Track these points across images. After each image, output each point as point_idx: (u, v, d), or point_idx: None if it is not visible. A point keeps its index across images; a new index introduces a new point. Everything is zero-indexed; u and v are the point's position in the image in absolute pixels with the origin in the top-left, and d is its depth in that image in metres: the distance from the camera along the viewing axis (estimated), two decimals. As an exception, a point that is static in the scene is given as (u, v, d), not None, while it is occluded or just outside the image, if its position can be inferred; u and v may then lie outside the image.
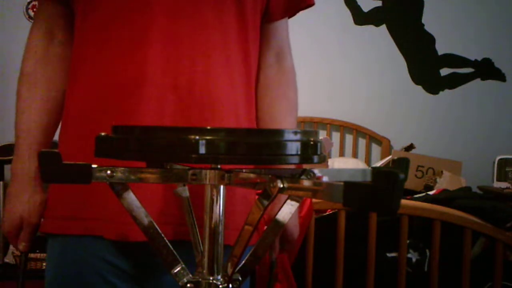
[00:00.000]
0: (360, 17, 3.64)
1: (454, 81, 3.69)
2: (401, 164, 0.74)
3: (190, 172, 0.70)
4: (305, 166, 0.73)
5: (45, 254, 1.01)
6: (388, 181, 0.47)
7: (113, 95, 0.93)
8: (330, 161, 3.16)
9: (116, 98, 0.93)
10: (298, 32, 3.31)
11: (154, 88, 0.92)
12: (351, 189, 0.51)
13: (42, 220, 1.00)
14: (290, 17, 1.12)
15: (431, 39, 3.66)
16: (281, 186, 0.60)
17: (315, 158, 0.64)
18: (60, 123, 1.02)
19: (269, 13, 1.06)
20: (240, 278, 0.72)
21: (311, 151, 0.63)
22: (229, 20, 0.98)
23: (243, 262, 0.72)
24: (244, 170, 0.69)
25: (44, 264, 2.23)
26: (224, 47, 0.97)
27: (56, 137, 1.02)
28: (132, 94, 0.92)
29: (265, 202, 0.63)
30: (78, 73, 0.98)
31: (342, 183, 0.51)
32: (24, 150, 1.00)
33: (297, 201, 0.67)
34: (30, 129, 1.01)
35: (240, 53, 1.00)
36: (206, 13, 0.96)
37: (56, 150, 0.63)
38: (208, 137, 0.59)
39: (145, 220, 0.70)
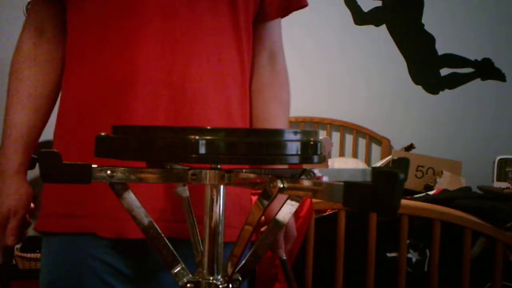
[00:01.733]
0: (360, 17, 3.64)
1: (454, 81, 3.69)
2: (401, 164, 0.74)
3: (190, 172, 0.70)
4: (305, 166, 0.73)
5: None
6: (388, 181, 0.47)
7: (108, 92, 0.94)
8: (330, 161, 3.16)
9: (111, 95, 0.93)
10: (298, 32, 3.34)
11: (148, 85, 0.93)
12: (351, 189, 0.51)
13: (37, 218, 1.00)
14: (283, 17, 1.12)
15: (431, 39, 3.65)
16: (281, 186, 0.60)
17: (315, 158, 0.64)
18: (56, 121, 1.02)
19: (263, 13, 1.06)
20: (240, 278, 0.72)
21: (311, 151, 0.63)
22: (223, 20, 0.98)
23: (243, 262, 0.72)
24: (244, 170, 0.69)
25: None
26: (217, 46, 0.98)
27: (51, 136, 1.02)
28: (126, 92, 0.93)
29: (265, 202, 0.63)
30: (72, 71, 0.99)
31: (342, 183, 0.51)
32: (9, 144, 1.02)
33: (297, 201, 0.67)
34: (16, 124, 1.02)
35: (234, 53, 1.00)
36: (201, 13, 0.96)
37: (55, 150, 0.63)
38: (208, 137, 0.59)
39: (145, 220, 0.70)
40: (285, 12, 1.10)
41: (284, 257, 1.13)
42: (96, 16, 0.95)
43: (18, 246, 3.13)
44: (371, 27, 3.65)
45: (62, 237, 0.95)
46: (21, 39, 1.05)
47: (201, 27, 0.96)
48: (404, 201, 1.55)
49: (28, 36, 1.04)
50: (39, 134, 1.05)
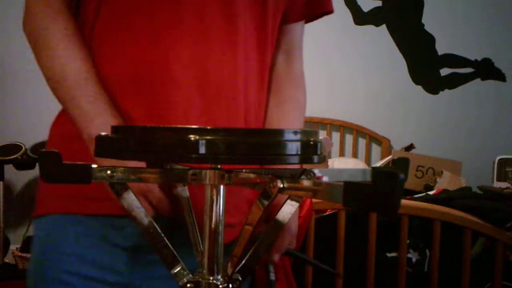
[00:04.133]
0: (360, 17, 3.65)
1: (454, 81, 3.69)
2: (401, 164, 0.74)
3: (190, 172, 0.69)
4: (305, 166, 0.73)
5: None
6: (388, 181, 0.47)
7: (138, 93, 0.91)
8: (330, 161, 3.16)
9: (141, 96, 0.90)
10: (298, 32, 3.33)
11: (181, 89, 0.90)
12: (351, 189, 0.51)
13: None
14: (307, 22, 1.11)
15: (431, 39, 3.66)
16: (281, 186, 0.60)
17: (315, 158, 0.64)
18: None
19: (286, 14, 1.05)
20: (240, 278, 0.72)
21: (311, 151, 0.63)
22: (254, 22, 0.96)
23: (243, 262, 0.72)
24: (244, 170, 0.69)
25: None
26: (246, 51, 0.96)
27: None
28: (157, 95, 0.90)
29: (265, 202, 0.63)
30: (101, 50, 0.93)
31: (342, 183, 0.51)
32: (85, 107, 0.86)
33: (297, 201, 0.67)
34: (80, 80, 0.87)
35: (257, 55, 0.99)
36: (234, 15, 0.94)
37: (56, 150, 0.63)
38: (208, 137, 0.59)
39: (145, 220, 0.70)
40: (308, 16, 1.09)
41: (273, 278, 1.03)
42: (122, 7, 0.90)
43: (18, 246, 3.12)
44: (371, 27, 3.65)
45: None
46: (34, 9, 0.92)
47: (234, 31, 0.93)
48: (404, 201, 1.55)
49: (43, 5, 0.91)
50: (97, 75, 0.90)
